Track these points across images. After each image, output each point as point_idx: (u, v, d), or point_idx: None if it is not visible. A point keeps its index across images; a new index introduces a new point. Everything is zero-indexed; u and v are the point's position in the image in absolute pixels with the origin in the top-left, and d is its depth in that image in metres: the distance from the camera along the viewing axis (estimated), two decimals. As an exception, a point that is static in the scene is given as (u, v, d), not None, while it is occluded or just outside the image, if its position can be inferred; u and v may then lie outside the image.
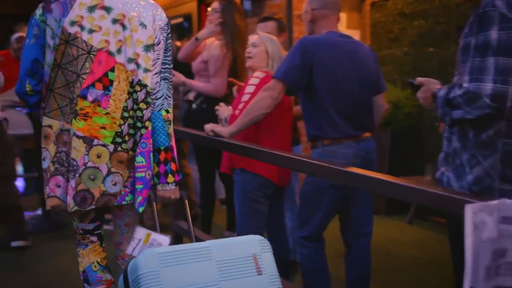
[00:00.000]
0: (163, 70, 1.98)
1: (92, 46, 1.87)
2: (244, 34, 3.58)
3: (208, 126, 2.58)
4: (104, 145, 1.89)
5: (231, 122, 2.65)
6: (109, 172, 1.90)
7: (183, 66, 3.97)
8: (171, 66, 2.02)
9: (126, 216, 2.07)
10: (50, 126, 1.94)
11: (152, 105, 1.94)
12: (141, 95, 1.91)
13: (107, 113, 1.88)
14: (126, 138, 1.92)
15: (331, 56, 2.43)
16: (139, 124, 1.92)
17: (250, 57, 2.81)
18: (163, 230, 3.86)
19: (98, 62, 1.87)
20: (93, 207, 1.90)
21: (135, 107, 1.91)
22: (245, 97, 2.68)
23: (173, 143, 2.01)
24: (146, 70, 1.91)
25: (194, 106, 3.70)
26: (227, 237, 2.39)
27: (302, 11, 2.63)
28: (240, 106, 2.66)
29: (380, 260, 3.43)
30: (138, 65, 1.90)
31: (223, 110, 2.88)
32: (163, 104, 1.96)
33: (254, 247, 1.76)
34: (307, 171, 2.18)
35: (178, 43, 4.70)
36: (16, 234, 3.74)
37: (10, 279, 3.29)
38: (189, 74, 3.78)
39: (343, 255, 2.67)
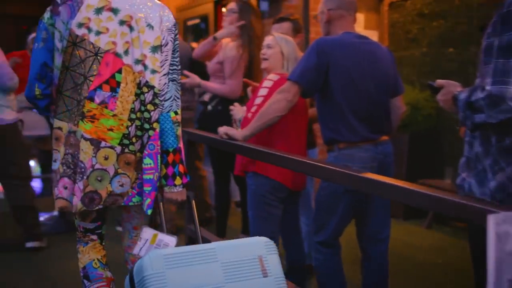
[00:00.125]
0: (171, 72, 1.97)
1: (99, 48, 1.87)
2: (261, 36, 3.55)
3: (222, 129, 2.55)
4: (112, 147, 1.88)
5: (243, 125, 2.60)
6: (116, 173, 1.90)
7: (198, 68, 3.95)
8: (179, 67, 2.02)
9: (134, 219, 2.07)
10: (60, 128, 1.94)
11: (161, 107, 1.93)
12: (148, 97, 1.91)
13: (114, 115, 1.88)
14: (134, 140, 1.91)
15: (347, 57, 2.38)
16: (146, 126, 1.92)
17: (265, 59, 2.77)
18: (179, 232, 3.88)
19: (106, 63, 1.87)
20: (100, 207, 1.91)
21: (143, 108, 1.91)
22: (258, 100, 2.63)
23: (181, 145, 2.01)
24: (154, 71, 1.91)
25: (209, 107, 3.68)
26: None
27: (318, 11, 2.57)
28: (253, 109, 2.62)
29: (397, 265, 3.36)
30: (145, 67, 1.90)
31: (238, 110, 2.84)
32: (171, 106, 1.96)
33: (260, 249, 1.75)
34: (321, 176, 2.13)
35: (194, 45, 4.68)
36: (31, 235, 3.74)
37: (24, 279, 3.29)
38: (204, 76, 3.76)
39: (360, 260, 2.61)
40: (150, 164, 1.92)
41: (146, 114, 1.91)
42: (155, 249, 1.86)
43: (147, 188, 1.92)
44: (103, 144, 1.87)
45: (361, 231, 2.56)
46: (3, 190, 3.80)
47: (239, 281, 1.67)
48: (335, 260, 2.52)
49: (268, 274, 1.71)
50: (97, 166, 1.87)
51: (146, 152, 1.91)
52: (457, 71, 4.55)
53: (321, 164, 2.01)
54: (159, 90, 1.92)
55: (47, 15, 1.93)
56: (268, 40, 2.78)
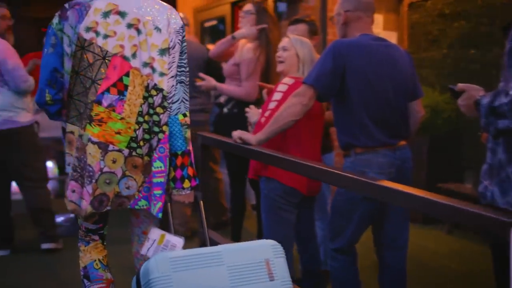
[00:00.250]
0: (178, 73, 1.97)
1: (107, 51, 1.87)
2: (277, 41, 3.52)
3: (236, 133, 2.51)
4: (119, 150, 1.89)
5: (256, 130, 2.56)
6: (124, 175, 1.90)
7: (214, 70, 3.92)
8: (187, 69, 2.01)
9: (143, 224, 2.07)
10: (72, 132, 1.95)
11: (169, 109, 1.93)
12: (157, 100, 1.91)
13: (122, 118, 1.88)
14: (141, 143, 1.91)
15: (364, 60, 2.32)
16: (156, 129, 1.92)
17: (281, 61, 2.72)
18: (194, 235, 3.85)
19: (113, 67, 1.87)
20: (108, 208, 1.91)
21: (151, 111, 1.91)
22: (272, 105, 2.59)
23: (190, 147, 2.00)
24: (162, 74, 1.91)
25: (225, 110, 3.65)
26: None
27: (334, 13, 2.51)
28: (267, 114, 2.58)
29: (416, 272, 3.29)
30: (153, 69, 1.90)
31: (253, 113, 2.80)
32: (179, 108, 1.96)
33: (266, 252, 1.74)
34: (336, 183, 2.07)
35: (210, 46, 4.65)
36: (47, 237, 3.76)
37: (39, 281, 3.30)
38: (220, 78, 3.73)
39: (376, 264, 2.54)
40: (161, 167, 1.93)
41: (155, 117, 1.91)
42: (162, 249, 1.88)
43: (157, 192, 1.92)
44: (110, 147, 1.87)
45: (379, 239, 2.50)
46: (20, 191, 3.83)
47: (245, 285, 1.67)
48: (351, 268, 2.46)
49: (274, 278, 1.70)
50: (105, 169, 1.87)
51: (156, 155, 1.92)
52: (479, 73, 4.45)
53: (335, 171, 1.95)
54: (168, 93, 1.92)
55: (55, 20, 1.94)
56: (283, 42, 2.74)
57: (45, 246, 3.75)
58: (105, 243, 2.15)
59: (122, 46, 1.87)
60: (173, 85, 1.95)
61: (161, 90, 1.91)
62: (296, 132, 2.55)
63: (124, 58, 1.87)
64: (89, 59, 1.86)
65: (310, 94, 2.31)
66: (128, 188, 1.91)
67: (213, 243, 2.93)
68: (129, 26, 1.88)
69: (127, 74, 1.87)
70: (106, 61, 1.86)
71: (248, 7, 3.62)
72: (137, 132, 1.89)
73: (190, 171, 1.99)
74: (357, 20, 2.43)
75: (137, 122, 1.89)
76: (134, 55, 1.88)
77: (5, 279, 3.35)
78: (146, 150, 1.92)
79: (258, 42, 3.50)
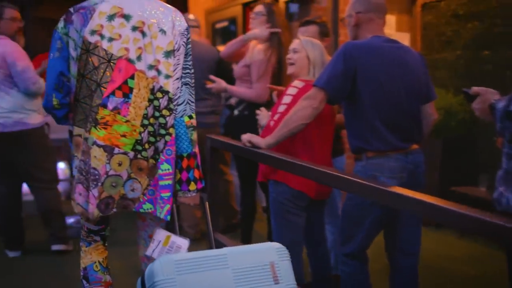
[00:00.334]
0: (184, 75, 1.97)
1: (112, 54, 1.87)
2: (287, 41, 3.49)
3: (245, 137, 2.48)
4: (125, 153, 1.89)
5: (265, 134, 2.53)
6: (129, 177, 1.90)
7: (225, 72, 3.90)
8: (192, 71, 2.01)
9: (149, 227, 2.07)
10: (80, 135, 1.95)
11: (174, 111, 1.93)
12: (163, 102, 1.91)
13: (127, 121, 1.87)
14: (146, 146, 1.91)
15: (376, 62, 2.28)
16: (162, 131, 1.92)
17: (292, 64, 2.69)
18: (204, 237, 3.84)
19: (118, 70, 1.87)
20: (114, 210, 1.91)
21: (157, 114, 1.91)
22: (281, 108, 2.56)
23: (196, 149, 2.00)
24: (167, 76, 1.91)
25: (236, 112, 3.63)
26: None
27: (345, 14, 2.48)
28: (276, 117, 2.55)
29: (428, 277, 3.23)
30: (159, 72, 1.90)
31: (263, 115, 2.77)
32: (185, 110, 1.96)
33: (271, 255, 1.74)
34: (345, 188, 2.03)
35: (221, 48, 4.64)
36: (57, 238, 3.76)
37: (49, 282, 3.30)
38: (231, 80, 3.71)
39: (387, 267, 2.50)
40: (168, 169, 1.93)
41: (161, 120, 1.91)
42: (167, 251, 1.88)
43: (165, 194, 1.92)
44: (116, 150, 1.87)
45: (390, 244, 2.45)
46: (30, 192, 3.84)
47: None
48: (362, 273, 2.42)
49: (279, 281, 1.70)
50: (111, 172, 1.87)
51: (163, 157, 1.92)
52: (493, 74, 4.38)
53: (344, 176, 1.92)
54: (173, 95, 1.92)
55: (61, 24, 1.94)
56: (294, 44, 2.70)
57: (55, 247, 3.76)
58: (106, 244, 2.16)
59: (127, 49, 1.87)
60: (178, 87, 1.95)
61: (167, 92, 1.91)
62: (306, 135, 2.52)
63: (129, 61, 1.87)
64: (94, 62, 1.87)
65: (320, 97, 2.27)
66: (133, 190, 1.91)
67: (221, 246, 2.92)
68: (134, 29, 1.89)
69: (132, 77, 1.87)
70: (111, 64, 1.86)
71: (259, 8, 3.60)
72: (142, 134, 1.89)
73: (196, 173, 1.99)
74: (368, 22, 2.39)
75: (142, 125, 1.89)
76: (139, 58, 1.88)
77: (16, 280, 3.35)
78: (151, 152, 1.92)
79: (269, 43, 3.47)
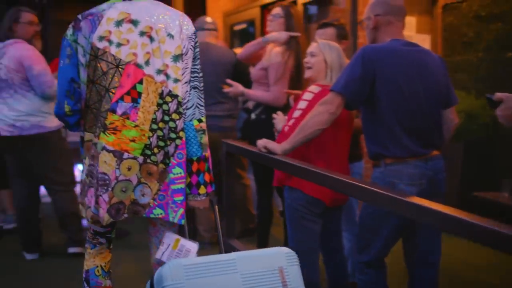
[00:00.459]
0: (192, 79, 1.97)
1: (121, 59, 1.87)
2: (304, 44, 3.45)
3: (261, 142, 2.45)
4: (134, 158, 1.88)
5: (280, 140, 2.49)
6: (139, 182, 1.90)
7: (242, 76, 3.87)
8: (201, 74, 2.01)
9: (160, 233, 2.06)
10: (90, 141, 1.95)
11: (184, 115, 1.93)
12: (172, 106, 1.91)
13: (136, 126, 1.87)
14: (155, 150, 1.90)
15: (395, 65, 2.22)
16: (173, 135, 1.91)
17: (309, 67, 2.64)
18: (215, 244, 3.81)
19: (127, 75, 1.87)
20: (125, 215, 1.91)
21: (167, 118, 1.91)
22: (296, 113, 2.51)
23: (207, 153, 1.99)
24: (176, 80, 1.91)
25: (253, 116, 3.60)
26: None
27: (364, 17, 2.42)
28: (291, 123, 2.51)
29: (448, 285, 3.18)
30: (167, 76, 1.90)
31: (280, 120, 2.74)
32: (194, 114, 1.96)
33: (281, 260, 1.73)
34: (361, 197, 1.98)
35: (237, 50, 4.61)
36: (74, 241, 3.78)
37: (65, 285, 3.31)
38: (248, 83, 3.68)
39: (406, 271, 2.45)
40: (180, 173, 1.92)
41: (171, 124, 1.91)
42: (177, 254, 1.87)
43: (178, 198, 1.92)
44: (125, 155, 1.87)
45: (409, 253, 2.39)
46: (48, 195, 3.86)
47: None
48: (379, 282, 2.37)
49: (288, 286, 1.69)
50: (121, 177, 1.87)
51: (175, 161, 1.92)
52: (516, 77, 4.28)
53: (360, 184, 1.86)
54: (182, 99, 1.93)
55: (69, 31, 1.96)
56: (311, 47, 2.66)
57: (72, 250, 3.77)
58: (111, 247, 2.17)
59: (135, 54, 1.88)
60: (187, 91, 1.95)
61: (176, 96, 1.91)
62: (321, 141, 2.47)
63: (137, 65, 1.88)
64: (103, 68, 1.87)
65: (338, 102, 2.23)
66: (143, 195, 1.91)
67: (234, 250, 2.89)
68: (142, 34, 1.89)
69: (140, 82, 1.88)
70: (120, 69, 1.87)
71: (277, 10, 3.57)
72: (151, 139, 1.89)
73: (206, 177, 1.99)
74: (387, 25, 2.34)
75: (151, 129, 1.89)
76: (147, 63, 1.89)
77: (33, 282, 3.37)
78: (161, 157, 1.92)
79: (286, 46, 3.44)
